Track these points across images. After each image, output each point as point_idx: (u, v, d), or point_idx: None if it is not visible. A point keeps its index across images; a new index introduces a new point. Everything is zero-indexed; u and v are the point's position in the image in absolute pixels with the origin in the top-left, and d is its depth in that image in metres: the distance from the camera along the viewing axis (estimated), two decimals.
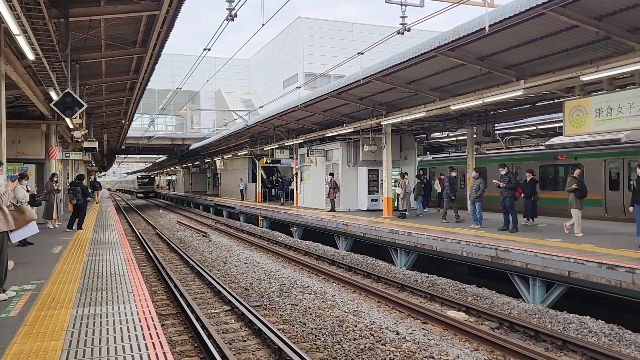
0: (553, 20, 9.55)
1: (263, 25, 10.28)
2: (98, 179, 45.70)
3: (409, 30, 10.79)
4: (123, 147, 41.85)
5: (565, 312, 8.76)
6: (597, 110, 11.23)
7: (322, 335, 7.75)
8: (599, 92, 11.63)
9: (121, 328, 5.04)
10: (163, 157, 62.90)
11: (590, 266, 8.51)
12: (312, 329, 8.06)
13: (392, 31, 11.69)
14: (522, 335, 7.99)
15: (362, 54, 12.49)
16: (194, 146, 39.81)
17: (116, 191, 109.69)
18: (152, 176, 79.83)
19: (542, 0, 8.44)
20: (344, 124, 20.07)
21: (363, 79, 13.97)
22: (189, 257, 14.94)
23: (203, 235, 20.58)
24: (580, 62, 11.15)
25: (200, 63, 16.35)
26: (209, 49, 11.76)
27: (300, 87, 24.43)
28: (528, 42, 10.87)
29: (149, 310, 5.72)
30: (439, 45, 11.08)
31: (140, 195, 71.30)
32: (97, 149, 22.51)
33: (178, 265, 14.44)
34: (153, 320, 5.28)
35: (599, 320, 8.22)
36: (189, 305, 9.30)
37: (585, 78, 10.50)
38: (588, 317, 8.39)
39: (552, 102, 15.54)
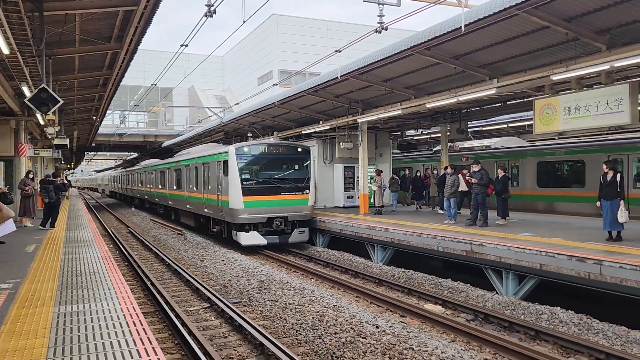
0: (525, 21, 9.84)
1: (244, 22, 10.29)
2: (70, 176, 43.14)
3: (386, 29, 10.95)
4: (93, 144, 41.07)
5: (537, 303, 9.07)
6: (565, 109, 11.63)
7: (303, 330, 7.85)
8: (568, 91, 12.02)
9: (107, 325, 5.04)
10: (134, 155, 61.28)
11: (561, 259, 8.83)
12: (292, 324, 8.15)
13: (368, 30, 11.83)
14: (497, 326, 8.26)
15: (340, 52, 12.61)
16: (167, 143, 39.35)
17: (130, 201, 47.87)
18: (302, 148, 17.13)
19: (515, 1, 8.71)
20: (320, 122, 20.17)
21: (340, 76, 14.10)
22: (164, 255, 14.83)
23: (178, 234, 20.40)
24: (551, 62, 11.50)
25: (170, 59, 16.09)
26: (186, 45, 11.70)
27: (276, 85, 24.39)
28: (501, 42, 11.17)
29: (133, 307, 5.72)
30: (415, 44, 11.29)
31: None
32: (68, 146, 22.07)
33: (154, 263, 14.31)
34: (138, 317, 5.30)
35: (569, 311, 8.55)
36: (167, 303, 9.28)
37: (555, 77, 10.85)
38: (559, 307, 8.71)
39: (522, 100, 15.97)
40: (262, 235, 15.49)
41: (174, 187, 23.41)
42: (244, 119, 24.08)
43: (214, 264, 13.72)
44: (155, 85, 19.68)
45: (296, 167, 16.49)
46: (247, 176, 15.59)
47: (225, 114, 28.65)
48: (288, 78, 34.08)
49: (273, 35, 45.69)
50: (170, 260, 13.84)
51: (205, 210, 18.18)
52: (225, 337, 7.74)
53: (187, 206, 20.93)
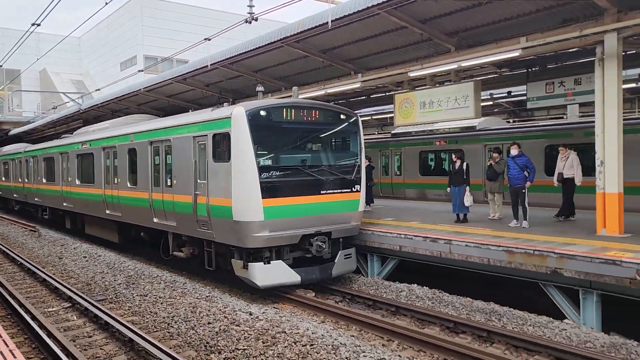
0: (386, 21, 10.56)
1: (107, 3, 9.65)
2: None
3: (256, 20, 11.02)
4: None
5: (397, 282, 9.89)
6: (421, 103, 12.75)
7: (175, 322, 7.73)
8: (423, 87, 13.17)
9: None
10: None
11: (417, 240, 9.70)
12: (164, 318, 7.98)
13: (239, 19, 11.81)
14: (363, 305, 8.86)
15: (210, 40, 12.40)
16: (14, 131, 35.34)
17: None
18: None
19: (376, 1, 9.31)
20: (190, 110, 19.62)
21: (210, 65, 13.88)
22: (15, 254, 13.49)
23: (31, 230, 18.61)
24: (409, 59, 12.47)
25: (19, 38, 14.49)
26: (39, 24, 10.66)
27: (142, 71, 23.18)
28: (365, 39, 11.85)
29: None
30: (284, 36, 11.54)
31: None
32: None
33: (3, 263, 12.95)
34: None
35: (424, 287, 9.47)
36: (21, 305, 8.51)
37: (412, 74, 11.82)
38: (415, 285, 9.61)
39: (385, 94, 17.09)
40: (289, 265, 8.98)
41: (77, 182, 15.85)
42: (106, 107, 22.59)
43: (74, 261, 12.80)
44: (1, 66, 17.59)
45: (341, 145, 10.43)
46: (269, 162, 8.91)
47: (85, 100, 26.57)
48: (154, 65, 32.53)
49: (137, 18, 43.05)
50: (23, 259, 12.64)
51: (157, 220, 11.17)
52: (90, 337, 7.35)
53: (108, 211, 13.72)
